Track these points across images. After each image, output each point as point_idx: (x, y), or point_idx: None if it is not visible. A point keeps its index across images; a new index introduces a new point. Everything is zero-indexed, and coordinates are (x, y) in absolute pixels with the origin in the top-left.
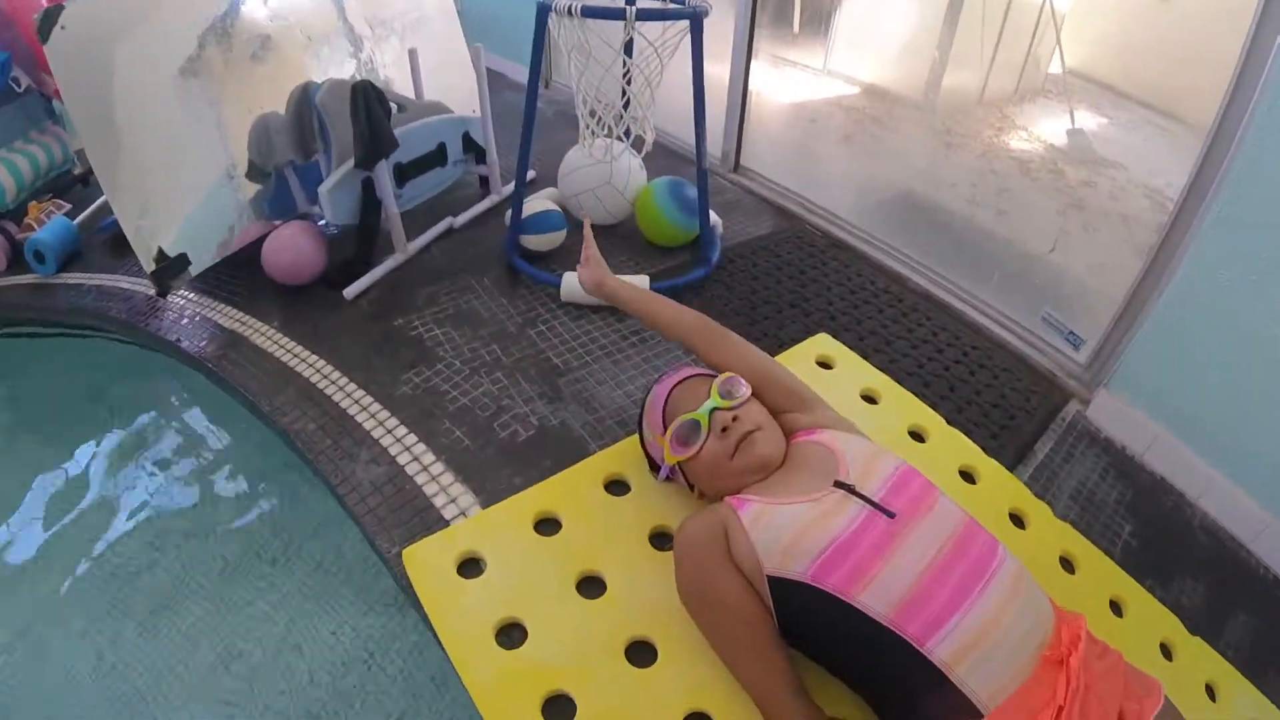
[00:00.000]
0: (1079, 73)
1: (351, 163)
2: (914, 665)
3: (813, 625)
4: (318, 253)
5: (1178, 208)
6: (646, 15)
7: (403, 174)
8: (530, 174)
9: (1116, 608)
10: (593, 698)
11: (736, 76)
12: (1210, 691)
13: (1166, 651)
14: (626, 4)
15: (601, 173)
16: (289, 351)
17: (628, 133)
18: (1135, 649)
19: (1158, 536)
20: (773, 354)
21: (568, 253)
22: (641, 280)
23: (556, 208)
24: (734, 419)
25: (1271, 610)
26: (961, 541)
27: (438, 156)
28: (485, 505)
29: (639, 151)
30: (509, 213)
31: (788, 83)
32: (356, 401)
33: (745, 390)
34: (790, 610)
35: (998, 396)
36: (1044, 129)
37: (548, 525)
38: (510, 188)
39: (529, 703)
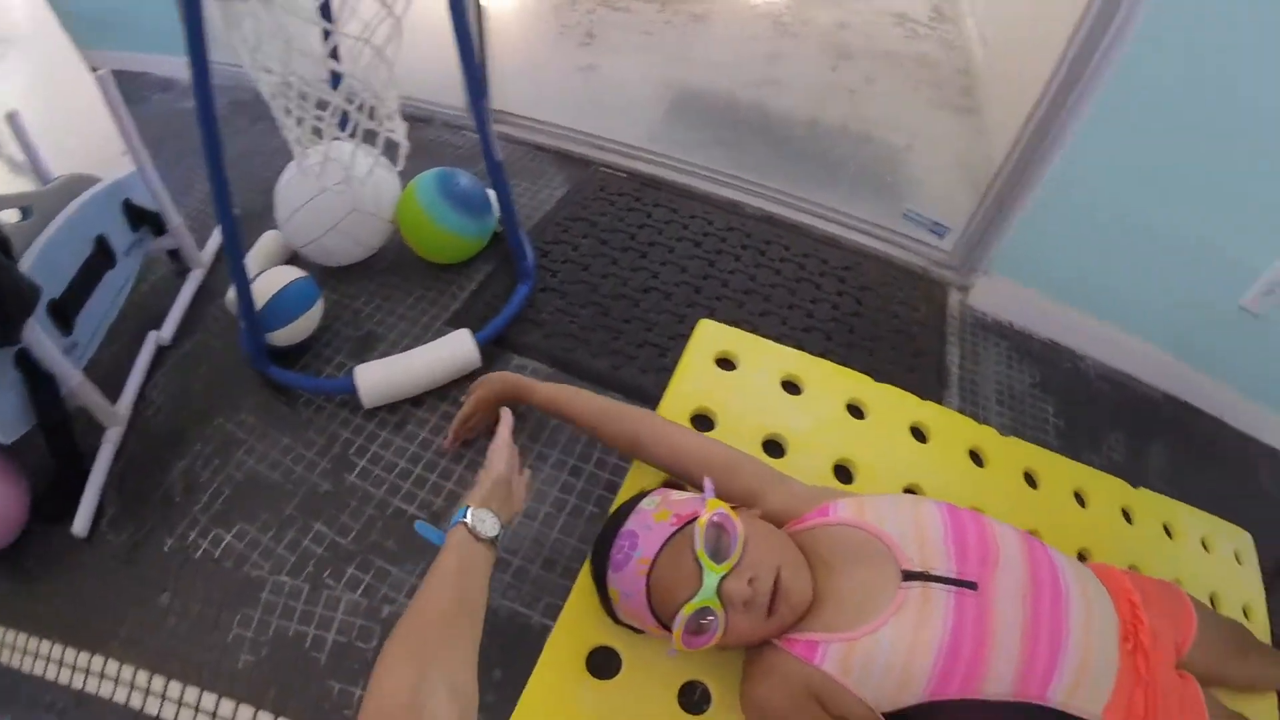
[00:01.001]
0: None
1: None
2: (1036, 714)
3: None
4: (11, 488)
5: (1047, 98)
6: None
7: (63, 313)
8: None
9: (1080, 499)
10: None
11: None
12: (1167, 530)
13: (1127, 516)
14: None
15: (341, 202)
16: (63, 665)
17: (353, 129)
18: (1107, 529)
19: (1072, 403)
20: (657, 366)
21: (328, 318)
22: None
23: (299, 274)
24: (750, 581)
25: (1172, 426)
26: (1033, 576)
27: (101, 258)
28: None
29: (396, 163)
30: (230, 292)
31: None
32: (200, 709)
33: (737, 529)
34: None
35: (891, 319)
36: None
37: None
38: (212, 247)
39: None
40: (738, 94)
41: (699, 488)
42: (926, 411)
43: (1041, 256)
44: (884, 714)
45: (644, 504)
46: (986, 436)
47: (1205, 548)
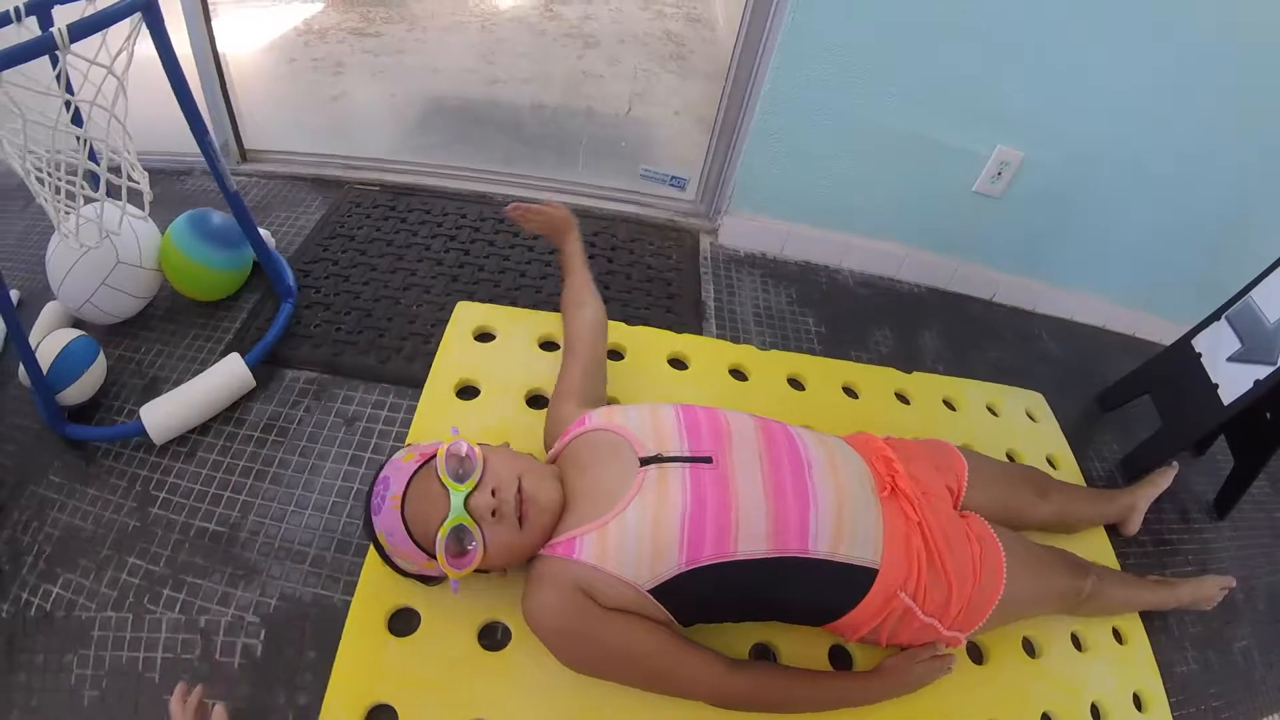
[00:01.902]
0: None
1: None
2: (808, 569)
3: (714, 598)
4: None
5: (743, 32)
6: (82, 28)
7: None
8: (15, 297)
9: (851, 392)
10: None
11: (201, 45)
12: (949, 404)
13: (903, 398)
14: (45, 30)
15: (104, 257)
16: None
17: (110, 189)
18: (883, 413)
19: (833, 313)
20: (424, 356)
21: (114, 373)
22: None
23: (77, 334)
24: (494, 493)
25: (938, 314)
26: (771, 447)
27: None
28: None
29: (143, 209)
30: (20, 369)
31: (248, 31)
32: None
33: (473, 452)
34: (684, 601)
35: (645, 270)
36: None
37: (381, 716)
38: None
39: None
40: (487, 95)
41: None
42: (682, 342)
43: (773, 185)
44: (652, 592)
45: (396, 455)
46: (746, 354)
47: (993, 413)
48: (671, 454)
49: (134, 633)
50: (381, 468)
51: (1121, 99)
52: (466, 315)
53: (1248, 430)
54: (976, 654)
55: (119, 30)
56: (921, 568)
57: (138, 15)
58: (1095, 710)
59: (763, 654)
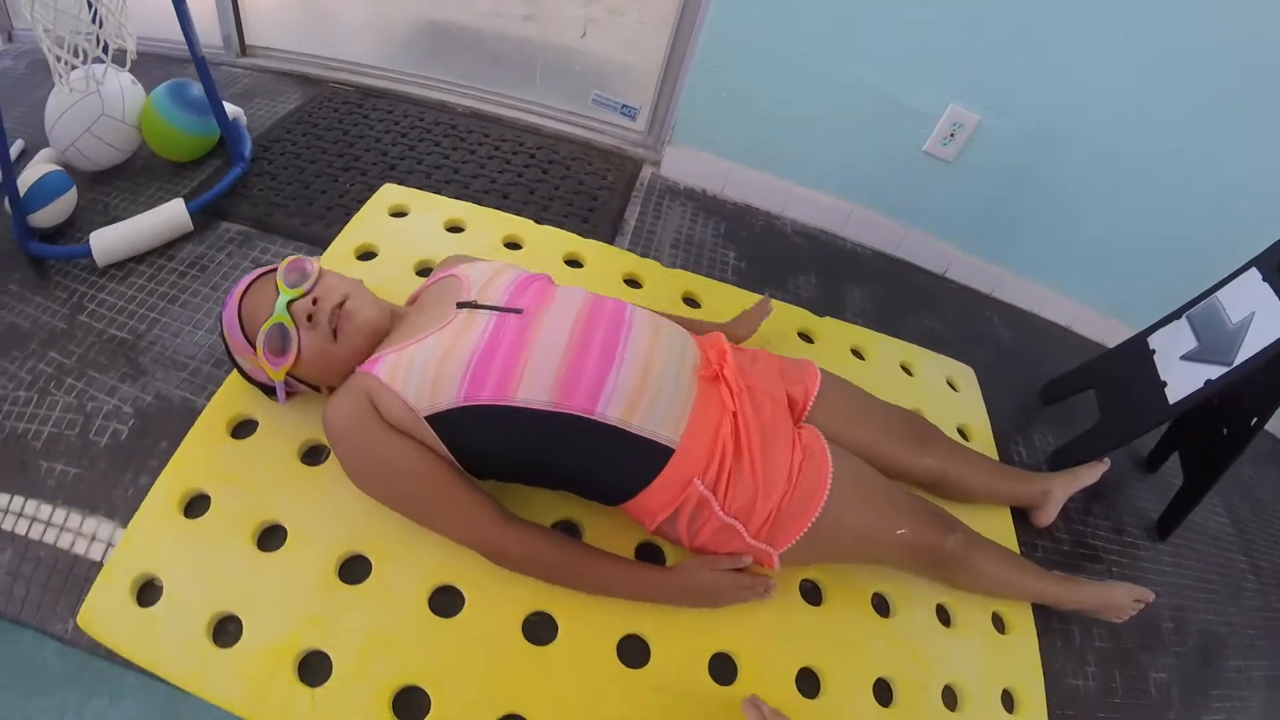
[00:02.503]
0: None
1: None
2: (594, 435)
3: (490, 445)
4: None
5: None
6: None
7: None
8: (17, 145)
9: None
10: (337, 637)
11: None
12: (857, 353)
13: (806, 337)
14: None
15: (91, 106)
16: None
17: (106, 49)
18: (777, 344)
19: (760, 252)
20: (340, 223)
21: (88, 211)
22: None
23: (55, 168)
24: (314, 302)
25: (877, 277)
26: (590, 312)
27: None
28: (126, 524)
29: (125, 65)
30: (4, 200)
31: None
32: None
33: (313, 267)
34: (463, 441)
35: (576, 185)
36: None
37: (197, 505)
38: None
39: (282, 680)
40: (469, 21)
41: None
42: (584, 245)
43: (714, 122)
44: (429, 419)
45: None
46: (647, 267)
47: (907, 372)
48: (487, 303)
49: (33, 409)
50: None
51: (1096, 72)
52: (389, 194)
53: (1201, 445)
54: (815, 595)
55: None
56: (726, 459)
57: None
58: (950, 693)
59: (566, 531)
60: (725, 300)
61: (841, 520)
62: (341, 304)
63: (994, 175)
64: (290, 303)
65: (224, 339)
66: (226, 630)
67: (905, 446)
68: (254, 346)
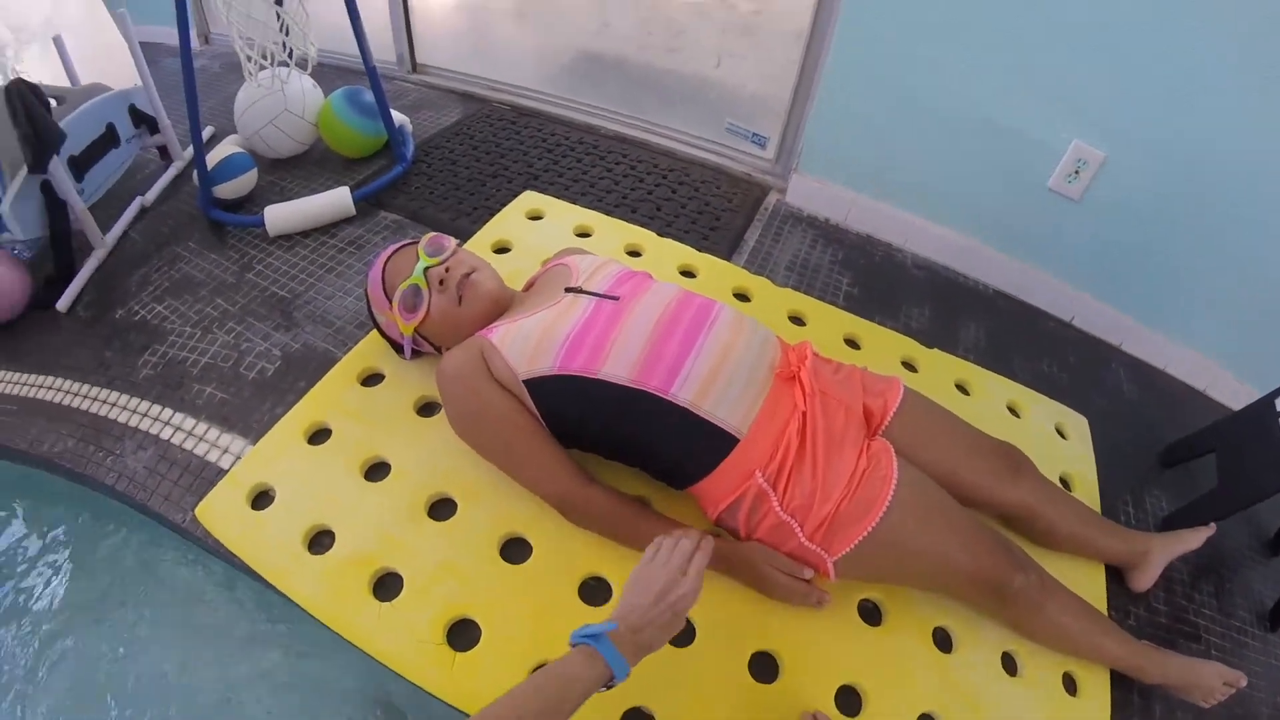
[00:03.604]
0: None
1: (25, 171)
2: (666, 415)
3: (574, 412)
4: (20, 281)
5: (816, 4)
6: None
7: (79, 166)
8: (208, 130)
9: (852, 343)
10: (413, 562)
11: None
12: (962, 388)
13: (910, 366)
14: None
15: (275, 102)
16: (24, 384)
17: (291, 55)
18: (877, 369)
19: (876, 281)
20: (483, 221)
21: (265, 190)
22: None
23: (241, 150)
24: (447, 270)
25: (998, 316)
26: (679, 304)
27: (109, 138)
28: (256, 442)
29: (306, 69)
30: (195, 172)
31: None
32: (104, 402)
33: (450, 243)
34: (552, 405)
35: (702, 205)
36: None
37: (320, 436)
38: (191, 150)
39: (358, 591)
40: (624, 54)
41: None
42: (700, 259)
43: (839, 151)
44: (526, 383)
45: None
46: (757, 283)
47: (1013, 413)
48: (590, 289)
49: (195, 343)
50: None
51: (1239, 101)
52: (529, 200)
53: None
54: (874, 616)
55: None
56: (789, 456)
57: None
58: None
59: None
60: (831, 322)
61: (900, 535)
62: (469, 275)
63: (1123, 215)
64: (427, 269)
65: (367, 296)
66: (320, 542)
67: (991, 475)
68: (390, 302)
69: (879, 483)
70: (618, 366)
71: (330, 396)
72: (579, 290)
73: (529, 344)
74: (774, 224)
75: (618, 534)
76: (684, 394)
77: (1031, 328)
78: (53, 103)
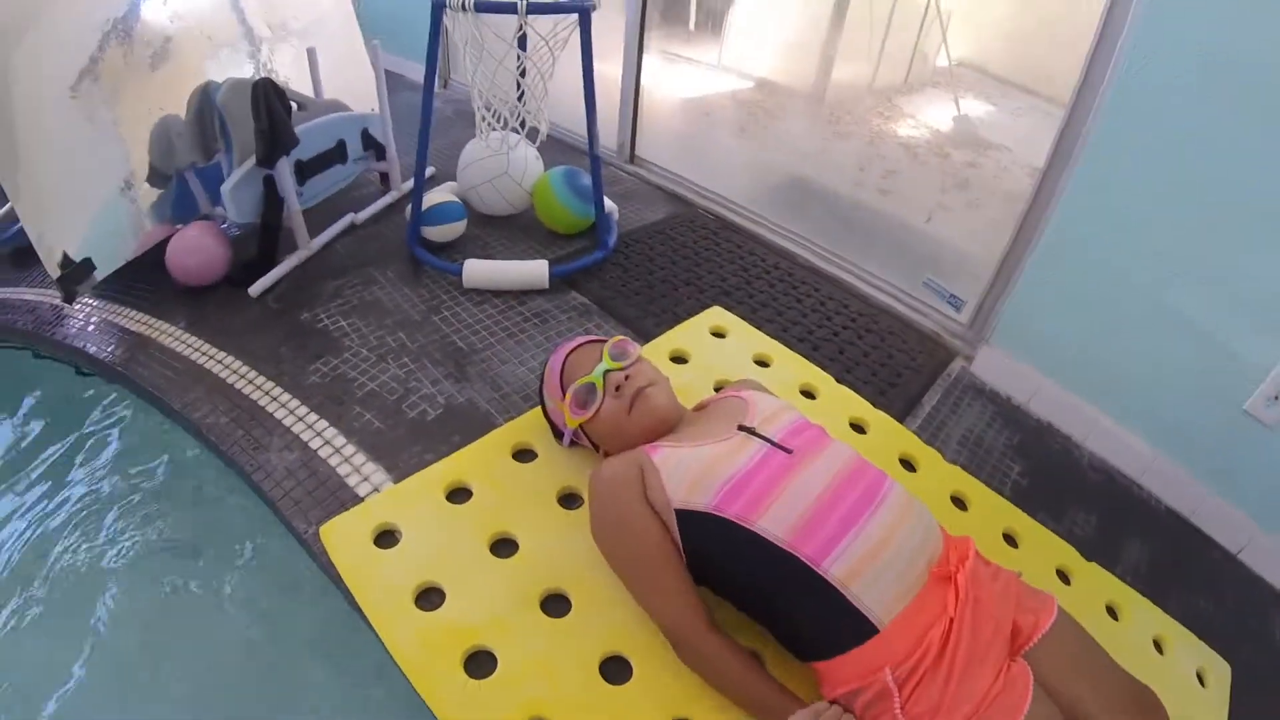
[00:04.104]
0: (964, 62)
1: (253, 161)
2: (811, 586)
3: (718, 555)
4: (223, 253)
5: (1042, 174)
6: (537, 8)
7: (303, 171)
8: (430, 170)
9: (1011, 540)
10: (512, 649)
11: (629, 71)
12: (1111, 612)
13: (1063, 577)
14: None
15: (498, 164)
16: (197, 350)
17: (523, 124)
18: (1031, 575)
19: (1047, 475)
20: (670, 327)
21: (468, 242)
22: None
23: (456, 199)
24: (626, 378)
25: (1164, 537)
26: (852, 473)
27: (338, 154)
28: (397, 481)
29: (534, 142)
30: (409, 207)
31: (682, 77)
32: (267, 393)
33: (635, 351)
34: (698, 542)
35: (884, 357)
36: (930, 116)
37: (459, 494)
38: (410, 184)
39: (451, 659)
40: (834, 186)
41: None
42: (873, 415)
43: (1036, 331)
44: (677, 510)
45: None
46: (927, 454)
47: (1157, 648)
48: (764, 433)
49: (368, 367)
50: None
51: None
52: (714, 315)
53: None
54: None
55: (566, 21)
56: (924, 660)
57: (575, 15)
58: None
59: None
60: (993, 513)
61: None
62: (646, 387)
63: None
64: (607, 371)
65: (542, 378)
66: (429, 598)
67: (1106, 702)
68: (564, 393)
69: (1008, 711)
70: (775, 523)
71: (480, 459)
72: (752, 432)
73: (690, 474)
74: (954, 392)
75: (723, 685)
76: (835, 570)
77: (1198, 555)
78: (294, 106)
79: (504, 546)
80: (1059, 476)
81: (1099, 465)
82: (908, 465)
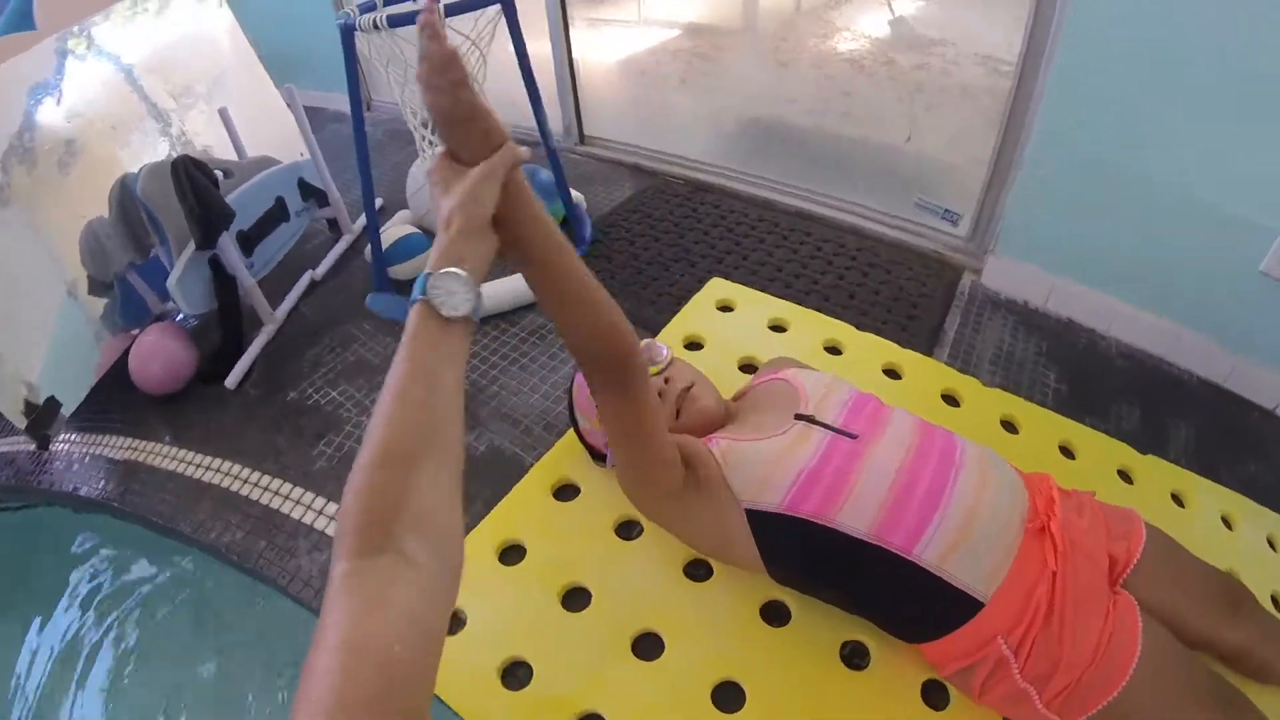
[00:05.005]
0: None
1: (192, 246)
2: (905, 573)
3: (800, 556)
4: (187, 352)
5: (1019, 70)
6: (454, 9)
7: (248, 241)
8: (378, 202)
9: (1068, 452)
10: (618, 705)
11: (559, 48)
12: (1177, 499)
13: (1126, 477)
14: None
15: None
16: (190, 464)
17: None
18: (1097, 484)
19: (1082, 375)
20: (673, 311)
21: None
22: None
23: (415, 229)
24: (666, 381)
25: (1203, 410)
26: (921, 444)
27: (279, 212)
28: None
29: None
30: (368, 249)
31: (609, 42)
32: (276, 493)
33: (667, 352)
34: (774, 543)
35: (895, 290)
36: (865, 25)
37: (511, 554)
38: (361, 222)
39: None
40: (791, 119)
41: None
42: (903, 356)
43: (1040, 233)
44: (747, 510)
45: None
46: (966, 384)
47: (1226, 524)
48: (824, 420)
49: None
50: None
51: None
52: (717, 289)
53: None
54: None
55: (488, 15)
56: (1036, 623)
57: (497, 8)
58: None
59: (856, 653)
60: (1045, 428)
61: (1135, 704)
62: (688, 389)
63: None
64: None
65: (570, 399)
66: (516, 675)
67: (1216, 617)
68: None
69: (1123, 650)
70: (855, 517)
71: (521, 509)
72: (812, 420)
73: (757, 473)
74: (972, 310)
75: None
76: (928, 555)
77: (1237, 422)
78: (219, 174)
79: (576, 598)
80: (1094, 375)
81: (1126, 352)
82: (951, 400)
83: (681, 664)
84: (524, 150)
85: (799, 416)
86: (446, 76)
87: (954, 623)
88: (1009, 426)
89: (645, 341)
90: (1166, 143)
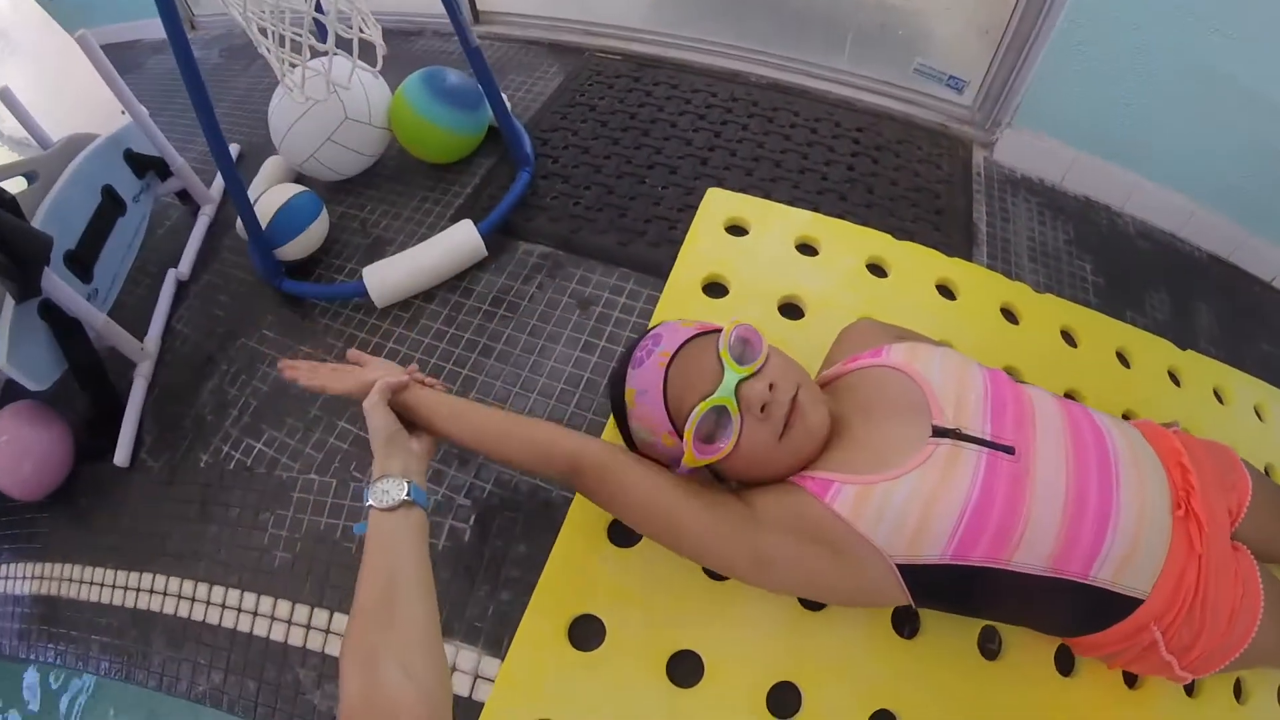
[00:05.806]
0: None
1: (11, 303)
2: (1073, 591)
3: (964, 595)
4: (56, 432)
5: None
6: None
7: (81, 262)
8: (235, 150)
9: (1124, 359)
10: None
11: None
12: (1218, 395)
13: (1174, 379)
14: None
15: (331, 112)
16: (116, 587)
17: (340, 42)
18: (1149, 390)
19: (1113, 264)
20: (670, 242)
21: (339, 232)
22: None
23: (295, 189)
24: (770, 388)
25: (1217, 290)
26: (1077, 446)
27: (111, 207)
28: (493, 651)
29: (373, 64)
30: (238, 221)
31: None
32: (238, 608)
33: (762, 341)
34: (934, 591)
35: (912, 177)
36: None
37: (585, 630)
38: (220, 185)
39: None
40: None
41: None
42: (953, 268)
43: (1066, 104)
44: (900, 566)
45: (670, 320)
46: (1019, 293)
47: (1259, 416)
48: (972, 433)
49: (335, 499)
50: (651, 329)
51: None
52: (717, 204)
53: None
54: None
55: None
56: (1185, 606)
57: None
58: None
59: (989, 638)
60: (1100, 334)
61: (1261, 647)
62: (797, 397)
63: None
64: (741, 382)
65: (621, 400)
66: None
67: None
68: (679, 427)
69: (1251, 608)
70: (1033, 555)
71: (577, 568)
72: (956, 435)
73: (907, 523)
74: (994, 195)
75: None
76: (1104, 574)
77: (1248, 300)
78: (22, 183)
79: (684, 666)
80: (1122, 260)
81: (1144, 231)
82: (1010, 316)
83: (825, 709)
84: (385, 382)
85: (939, 432)
86: (323, 389)
87: (1110, 621)
88: (1067, 338)
89: (734, 323)
90: (1200, 20)
